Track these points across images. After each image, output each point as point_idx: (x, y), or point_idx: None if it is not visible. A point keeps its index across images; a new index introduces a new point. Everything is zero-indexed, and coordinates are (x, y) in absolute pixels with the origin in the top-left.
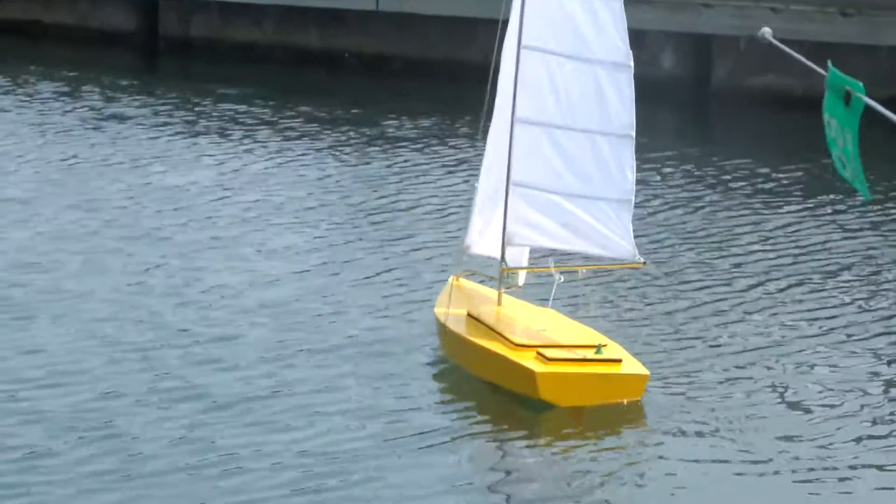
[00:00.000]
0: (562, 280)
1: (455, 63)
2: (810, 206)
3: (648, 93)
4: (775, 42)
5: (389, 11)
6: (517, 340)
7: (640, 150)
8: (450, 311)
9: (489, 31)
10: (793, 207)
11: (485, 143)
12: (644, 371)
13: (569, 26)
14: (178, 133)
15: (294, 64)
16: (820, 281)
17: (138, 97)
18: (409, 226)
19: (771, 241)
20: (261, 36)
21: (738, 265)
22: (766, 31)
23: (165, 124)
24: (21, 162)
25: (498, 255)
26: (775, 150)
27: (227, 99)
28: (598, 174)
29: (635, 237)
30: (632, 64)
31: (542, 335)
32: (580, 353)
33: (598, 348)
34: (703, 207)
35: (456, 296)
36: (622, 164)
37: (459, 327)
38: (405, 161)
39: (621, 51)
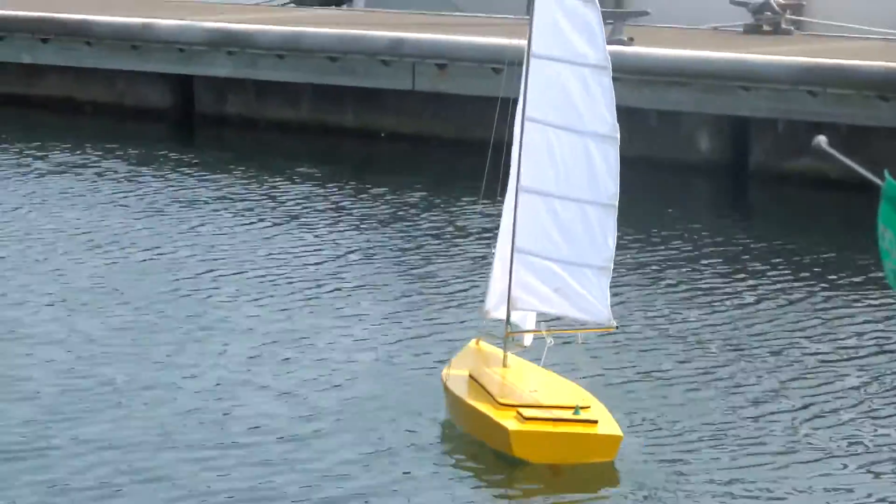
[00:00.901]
0: (552, 343)
1: (489, 142)
2: (835, 286)
3: (684, 174)
4: (830, 150)
5: (426, 91)
6: (501, 400)
7: (673, 229)
8: (453, 371)
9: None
10: (818, 286)
11: (483, 208)
12: (618, 433)
13: (565, 99)
14: (230, 215)
15: (330, 142)
16: (824, 353)
17: (184, 178)
18: (450, 300)
19: (785, 317)
20: (296, 114)
21: (752, 335)
22: (822, 140)
23: (219, 209)
24: (82, 249)
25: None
26: (807, 231)
27: (267, 179)
28: (585, 241)
29: (658, 305)
30: (618, 136)
31: (529, 395)
32: (558, 413)
33: (576, 409)
34: (726, 283)
35: (464, 358)
36: (605, 232)
37: (458, 387)
38: (439, 234)
39: (608, 123)
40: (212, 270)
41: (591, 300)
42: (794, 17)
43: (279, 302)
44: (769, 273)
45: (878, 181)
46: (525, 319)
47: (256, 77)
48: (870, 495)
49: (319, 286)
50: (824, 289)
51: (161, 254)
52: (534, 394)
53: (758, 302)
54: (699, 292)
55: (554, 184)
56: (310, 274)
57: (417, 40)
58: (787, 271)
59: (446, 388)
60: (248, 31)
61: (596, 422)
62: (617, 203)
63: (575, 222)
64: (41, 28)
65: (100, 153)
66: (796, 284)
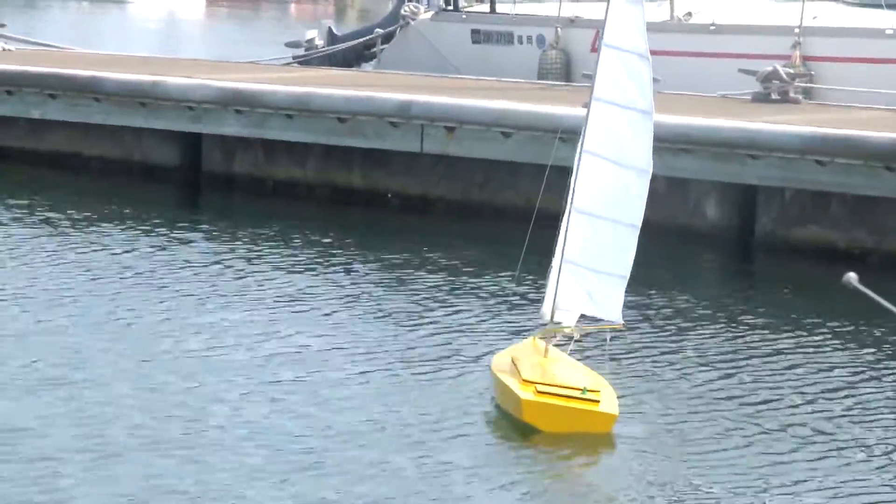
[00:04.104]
0: (578, 338)
1: (497, 206)
2: (831, 348)
3: (691, 241)
4: (860, 287)
5: (434, 153)
6: (525, 377)
7: (677, 295)
8: (501, 357)
9: (530, 174)
10: (818, 351)
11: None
12: (613, 411)
13: (616, 138)
14: (235, 276)
15: (337, 202)
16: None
17: (189, 238)
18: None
19: (783, 378)
20: (304, 174)
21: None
22: (852, 277)
23: (223, 270)
24: (78, 310)
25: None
26: (812, 299)
27: (272, 238)
28: (614, 255)
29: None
30: (651, 170)
31: (550, 376)
32: (567, 392)
33: (584, 390)
34: (727, 345)
35: (515, 348)
36: (630, 249)
37: (499, 368)
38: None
39: (646, 160)
40: (216, 332)
41: (612, 303)
42: (802, 85)
43: (292, 364)
44: (768, 336)
45: None
46: (568, 318)
47: (265, 136)
48: None
49: (334, 347)
50: (822, 352)
51: (166, 316)
52: (555, 375)
53: (755, 362)
54: (699, 353)
55: (598, 206)
56: (328, 334)
57: (426, 103)
58: (787, 337)
59: (491, 369)
60: (258, 90)
61: (598, 401)
62: (640, 224)
63: (609, 239)
64: (50, 83)
65: (104, 211)
66: (796, 348)
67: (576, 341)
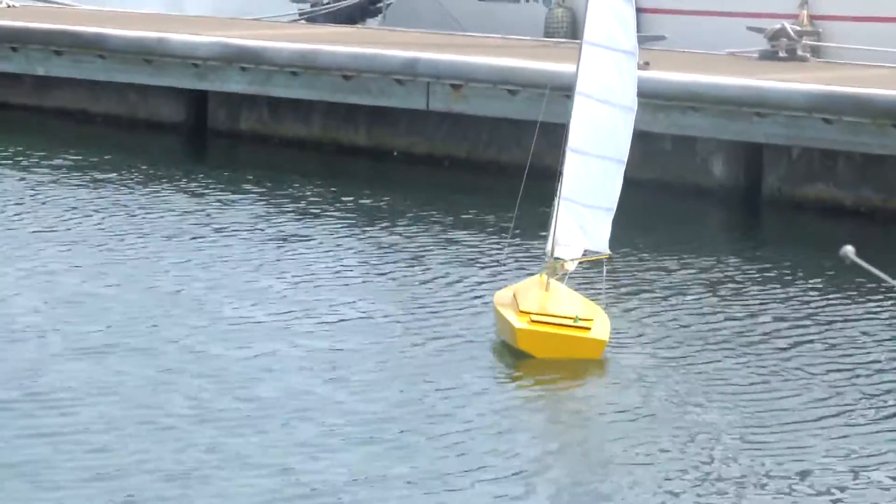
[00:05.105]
0: (573, 267)
1: (502, 163)
2: (835, 307)
3: (698, 199)
4: (858, 261)
5: (439, 111)
6: (522, 308)
7: (683, 253)
8: (504, 292)
9: (532, 132)
10: (823, 308)
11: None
12: (603, 338)
13: (604, 79)
14: (240, 233)
15: (342, 160)
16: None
17: (195, 194)
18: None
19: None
20: (309, 132)
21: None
22: (849, 250)
23: (229, 227)
24: (86, 264)
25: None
26: (818, 257)
27: (278, 196)
28: (601, 189)
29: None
30: (636, 108)
31: (546, 307)
32: (560, 320)
33: (576, 318)
34: (732, 303)
35: (519, 284)
36: (616, 183)
37: (501, 301)
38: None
39: (631, 98)
40: (219, 286)
41: (600, 234)
42: (810, 43)
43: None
44: (769, 288)
45: None
46: (567, 253)
47: (270, 94)
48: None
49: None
50: (821, 306)
51: (169, 271)
52: (551, 306)
53: (754, 309)
54: (705, 314)
55: (589, 144)
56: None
57: (432, 60)
58: (788, 290)
59: (494, 304)
60: (263, 47)
61: (588, 329)
62: (626, 160)
63: (598, 175)
64: (55, 40)
65: (110, 167)
66: (795, 299)
67: (571, 272)
